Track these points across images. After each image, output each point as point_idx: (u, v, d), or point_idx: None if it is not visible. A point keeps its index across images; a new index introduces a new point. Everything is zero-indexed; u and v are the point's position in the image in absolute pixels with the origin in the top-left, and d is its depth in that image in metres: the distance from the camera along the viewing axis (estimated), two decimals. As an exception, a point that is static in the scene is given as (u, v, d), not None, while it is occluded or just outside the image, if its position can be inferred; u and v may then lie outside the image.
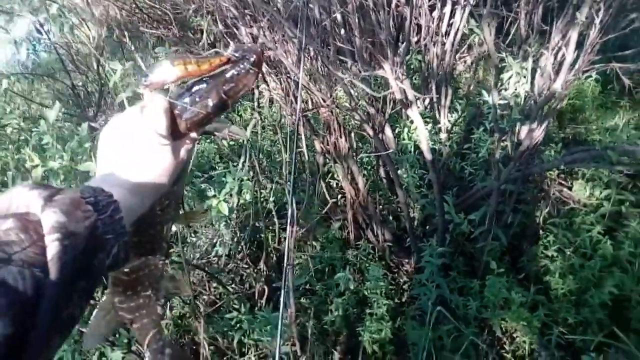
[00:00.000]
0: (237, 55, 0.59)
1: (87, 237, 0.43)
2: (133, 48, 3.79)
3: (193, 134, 0.61)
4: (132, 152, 0.55)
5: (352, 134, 2.71)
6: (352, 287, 1.96)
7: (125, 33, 4.04)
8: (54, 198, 0.44)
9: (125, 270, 0.63)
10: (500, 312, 2.01)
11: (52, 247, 0.40)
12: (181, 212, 0.71)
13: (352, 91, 2.65)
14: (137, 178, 0.55)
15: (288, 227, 1.17)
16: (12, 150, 1.71)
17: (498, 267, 2.05)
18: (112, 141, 0.57)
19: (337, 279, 1.99)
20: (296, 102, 2.70)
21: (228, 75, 0.59)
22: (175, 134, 0.58)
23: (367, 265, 2.20)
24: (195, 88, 0.59)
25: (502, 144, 2.10)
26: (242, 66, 0.59)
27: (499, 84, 2.10)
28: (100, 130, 0.59)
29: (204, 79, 0.59)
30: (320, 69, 3.02)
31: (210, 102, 0.58)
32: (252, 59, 0.59)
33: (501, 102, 2.04)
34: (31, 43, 3.47)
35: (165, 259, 0.68)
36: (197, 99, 0.58)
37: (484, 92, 2.04)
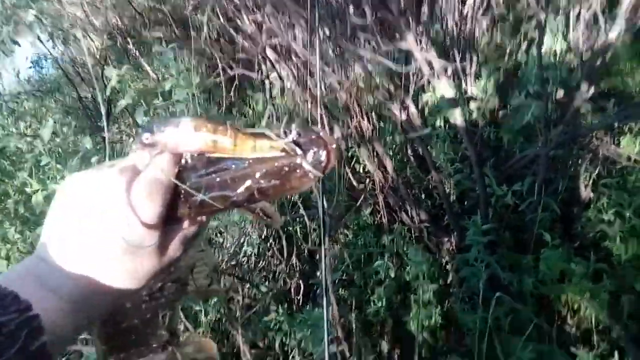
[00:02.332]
0: (298, 142, 0.39)
1: None
2: (137, 53, 3.71)
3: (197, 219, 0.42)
4: (94, 238, 0.36)
5: (374, 115, 2.57)
6: (392, 274, 1.82)
7: (129, 39, 3.96)
8: None
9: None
10: (559, 286, 1.84)
11: None
12: (190, 287, 0.50)
13: (370, 69, 2.50)
14: (95, 277, 0.35)
15: (321, 221, 1.03)
16: (13, 174, 1.60)
17: (552, 239, 1.88)
18: (68, 212, 0.37)
19: (375, 267, 1.84)
20: (310, 88, 2.56)
21: (275, 166, 0.39)
22: (169, 217, 0.39)
23: (405, 249, 2.05)
24: (220, 165, 0.40)
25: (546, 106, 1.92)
26: (299, 162, 0.39)
27: (534, 42, 1.91)
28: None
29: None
30: (334, 50, 2.87)
31: (234, 196, 0.39)
32: (319, 156, 0.38)
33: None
34: (36, 60, 3.43)
35: (168, 345, 0.47)
36: (217, 182, 0.39)
37: (519, 53, 1.86)
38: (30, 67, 3.34)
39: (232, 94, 3.37)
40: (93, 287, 0.35)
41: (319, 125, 2.41)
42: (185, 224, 0.40)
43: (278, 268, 1.88)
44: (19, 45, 3.34)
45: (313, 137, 0.39)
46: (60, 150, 2.31)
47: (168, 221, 0.39)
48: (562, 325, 1.84)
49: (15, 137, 2.19)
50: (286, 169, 0.39)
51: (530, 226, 2.03)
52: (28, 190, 1.59)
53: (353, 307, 1.67)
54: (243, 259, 1.96)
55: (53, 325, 0.31)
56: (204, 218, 0.42)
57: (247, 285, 1.79)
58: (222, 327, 1.65)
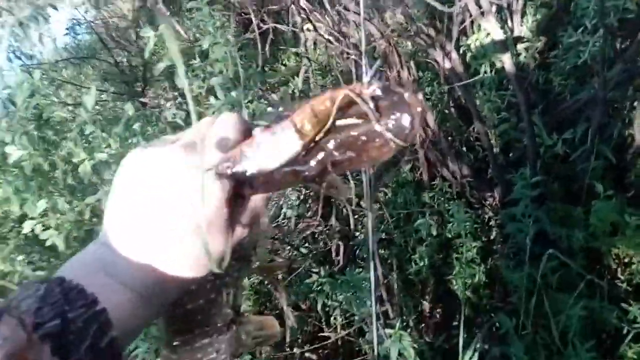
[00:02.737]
0: (378, 106, 0.33)
1: None
2: (168, 13, 3.66)
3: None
4: (162, 220, 0.33)
5: (412, 64, 2.44)
6: (433, 233, 1.79)
7: (158, -1, 3.90)
8: None
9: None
10: (611, 240, 1.75)
11: None
12: (254, 264, 0.46)
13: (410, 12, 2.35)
14: (165, 263, 0.33)
15: (366, 184, 1.00)
16: (58, 144, 1.64)
17: (604, 190, 1.77)
18: (132, 192, 0.35)
19: (416, 225, 1.81)
20: (348, 38, 2.45)
21: (351, 135, 0.34)
22: (236, 194, 0.36)
23: (446, 205, 2.00)
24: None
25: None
26: (379, 130, 0.33)
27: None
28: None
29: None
30: (370, -7, 2.70)
31: (306, 170, 0.35)
32: (401, 123, 0.33)
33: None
34: (70, 26, 3.46)
35: (232, 324, 0.45)
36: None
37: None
38: (65, 34, 3.38)
39: (266, 50, 3.29)
40: (163, 275, 0.33)
41: (364, 77, 2.32)
42: (252, 200, 0.38)
43: (317, 229, 1.89)
44: (57, 10, 3.36)
45: (395, 99, 0.33)
46: (101, 117, 2.36)
47: (235, 198, 0.36)
48: (613, 281, 1.76)
49: (57, 106, 2.25)
50: (363, 138, 0.34)
51: (581, 176, 1.92)
52: (75, 160, 1.64)
53: (394, 267, 1.66)
54: (283, 221, 1.98)
55: (122, 319, 0.30)
56: (270, 194, 0.39)
57: (288, 248, 1.82)
58: (264, 289, 1.71)
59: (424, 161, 2.14)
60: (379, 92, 0.34)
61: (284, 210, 1.98)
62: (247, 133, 0.37)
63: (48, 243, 1.44)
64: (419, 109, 0.33)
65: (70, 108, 2.29)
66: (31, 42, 3.48)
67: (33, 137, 1.73)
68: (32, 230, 1.43)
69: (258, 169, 0.34)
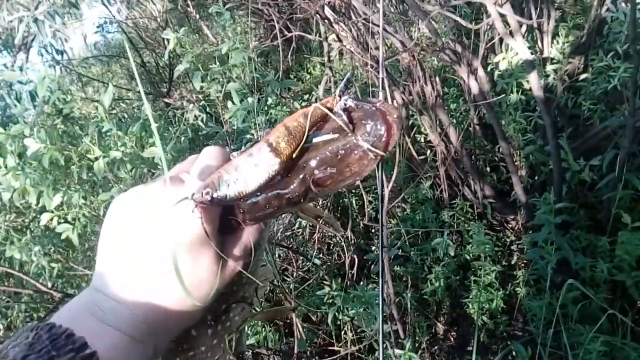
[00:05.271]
0: (351, 117, 0.33)
1: None
2: (198, 17, 3.71)
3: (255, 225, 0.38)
4: (148, 254, 0.33)
5: (437, 79, 2.41)
6: (451, 253, 1.74)
7: (189, 2, 3.96)
8: None
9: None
10: (637, 273, 1.67)
11: None
12: (255, 309, 0.45)
13: (436, 27, 2.33)
14: (155, 300, 0.33)
15: (380, 196, 0.97)
16: (79, 140, 1.65)
17: (632, 221, 1.70)
18: (118, 233, 0.35)
19: (434, 244, 1.77)
20: (370, 49, 2.43)
21: (329, 150, 0.33)
22: (225, 227, 0.36)
23: (466, 226, 1.95)
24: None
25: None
26: (355, 141, 0.33)
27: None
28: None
29: None
30: (397, 6, 2.69)
31: (288, 193, 0.34)
32: (377, 131, 0.32)
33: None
34: (101, 25, 3.53)
35: None
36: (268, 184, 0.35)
37: (609, 4, 1.62)
38: (96, 32, 3.44)
39: (289, 57, 3.30)
40: (154, 313, 0.33)
41: (379, 91, 2.29)
42: (243, 233, 0.37)
43: (332, 241, 1.86)
44: (89, 8, 3.44)
45: (368, 108, 0.33)
46: (125, 115, 2.39)
47: (223, 230, 0.36)
48: (637, 317, 1.69)
49: (79, 103, 2.27)
50: (342, 152, 0.33)
51: (607, 205, 1.85)
52: (90, 156, 1.65)
53: (409, 285, 1.62)
54: (298, 230, 1.95)
55: None
56: (262, 225, 0.38)
57: (301, 258, 1.79)
58: (275, 298, 1.68)
59: (445, 179, 2.09)
60: (351, 104, 0.34)
61: (299, 219, 1.95)
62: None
63: (63, 236, 1.44)
64: (395, 116, 0.33)
65: (92, 105, 2.33)
66: (62, 37, 3.56)
67: (52, 131, 1.75)
68: (50, 223, 1.44)
69: (238, 191, 0.33)
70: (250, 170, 0.34)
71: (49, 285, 1.39)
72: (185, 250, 0.33)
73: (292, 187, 0.34)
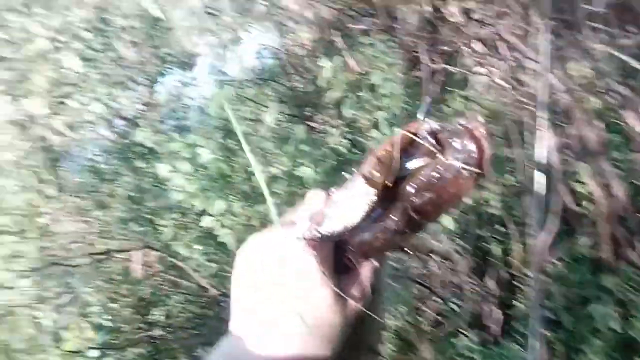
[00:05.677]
0: (438, 138, 0.34)
1: None
2: (345, 46, 3.88)
3: (370, 262, 0.38)
4: (275, 301, 0.35)
5: (599, 122, 2.19)
6: (614, 327, 1.50)
7: (336, 32, 4.16)
8: None
9: None
10: None
11: None
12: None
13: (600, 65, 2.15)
14: (288, 350, 0.34)
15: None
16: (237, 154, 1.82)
17: None
18: (250, 282, 0.37)
19: (592, 311, 1.55)
20: (524, 85, 2.30)
21: (422, 177, 0.34)
22: (340, 268, 0.37)
23: (632, 297, 1.68)
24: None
25: None
26: (446, 161, 0.33)
27: None
28: None
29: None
30: (554, 41, 2.53)
31: (392, 225, 0.35)
32: (466, 147, 0.33)
33: None
34: (259, 51, 3.89)
35: None
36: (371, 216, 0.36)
37: None
38: (256, 57, 3.80)
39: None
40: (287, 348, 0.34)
41: (536, 129, 2.14)
42: (359, 273, 0.38)
43: (471, 286, 1.74)
44: (250, 32, 3.81)
45: (454, 128, 0.34)
46: (277, 134, 2.56)
47: (340, 271, 0.37)
48: None
49: (241, 121, 2.50)
50: (436, 175, 0.34)
51: None
52: (249, 169, 1.80)
53: (559, 355, 1.43)
54: (433, 266, 1.86)
55: None
56: (377, 264, 0.38)
57: (434, 298, 1.71)
58: (406, 336, 1.61)
59: (608, 238, 1.85)
60: (436, 126, 0.34)
61: (435, 257, 1.87)
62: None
63: (220, 239, 1.58)
64: (482, 131, 0.33)
65: (250, 123, 2.56)
66: (225, 61, 3.99)
67: (220, 143, 1.94)
68: (210, 226, 1.59)
69: (343, 225, 0.35)
70: (349, 203, 0.35)
71: (205, 282, 1.52)
72: (304, 291, 0.34)
73: (394, 217, 0.35)
